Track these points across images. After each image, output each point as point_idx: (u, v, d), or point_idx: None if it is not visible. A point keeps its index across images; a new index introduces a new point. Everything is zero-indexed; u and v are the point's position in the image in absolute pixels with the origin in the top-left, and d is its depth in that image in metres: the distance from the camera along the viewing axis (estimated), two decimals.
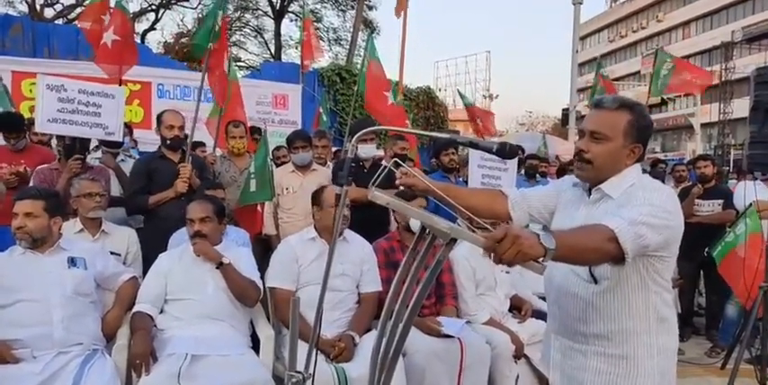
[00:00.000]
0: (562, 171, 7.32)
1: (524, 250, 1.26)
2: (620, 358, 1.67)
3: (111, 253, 3.28)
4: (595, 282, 1.65)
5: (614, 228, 1.44)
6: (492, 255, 1.30)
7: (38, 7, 19.32)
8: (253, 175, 3.96)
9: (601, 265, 1.60)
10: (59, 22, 18.39)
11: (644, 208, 1.53)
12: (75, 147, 3.70)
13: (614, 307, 1.65)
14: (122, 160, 4.37)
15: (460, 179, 5.06)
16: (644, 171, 1.81)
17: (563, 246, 1.32)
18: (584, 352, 1.72)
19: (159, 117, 3.82)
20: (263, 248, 4.06)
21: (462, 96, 9.31)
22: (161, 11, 22.77)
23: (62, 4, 20.13)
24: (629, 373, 1.66)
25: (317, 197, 3.23)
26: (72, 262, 2.74)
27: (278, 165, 4.78)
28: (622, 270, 1.58)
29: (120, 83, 4.71)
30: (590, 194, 1.76)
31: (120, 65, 4.60)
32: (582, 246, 1.42)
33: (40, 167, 3.89)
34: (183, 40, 21.76)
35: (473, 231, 1.60)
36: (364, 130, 1.86)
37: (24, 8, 19.30)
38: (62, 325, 2.56)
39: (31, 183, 3.76)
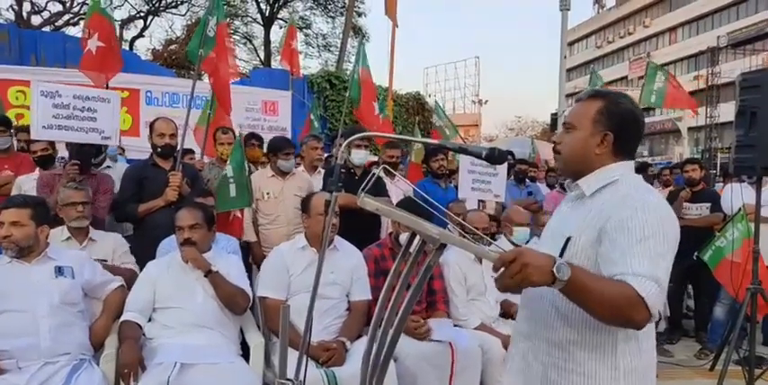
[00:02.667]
0: (552, 173, 7.39)
1: (530, 278, 1.25)
2: (580, 375, 1.53)
3: (99, 260, 3.26)
4: None
5: (644, 294, 1.33)
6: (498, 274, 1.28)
7: (25, 15, 19.22)
8: (231, 180, 3.88)
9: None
10: (47, 29, 18.29)
11: (650, 243, 1.41)
12: (80, 152, 3.66)
13: (578, 315, 1.51)
14: (108, 167, 4.33)
15: (451, 185, 5.08)
16: None
17: (576, 282, 1.27)
18: (545, 363, 1.61)
19: (151, 125, 3.79)
20: (245, 255, 4.02)
21: (436, 109, 8.73)
22: (149, 18, 22.74)
23: (49, 11, 20.10)
24: None
25: (305, 204, 3.22)
26: (59, 271, 2.69)
27: None
28: None
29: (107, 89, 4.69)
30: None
31: (104, 72, 4.57)
32: (597, 291, 1.33)
33: (44, 171, 3.88)
34: (172, 46, 21.72)
35: (463, 237, 1.60)
36: (355, 136, 1.86)
37: (11, 15, 19.20)
38: (49, 335, 2.52)
39: (35, 188, 3.74)
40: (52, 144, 4.11)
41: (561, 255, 1.55)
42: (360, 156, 4.12)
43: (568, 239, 1.55)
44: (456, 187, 5.02)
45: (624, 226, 1.44)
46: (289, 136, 8.85)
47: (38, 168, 4.02)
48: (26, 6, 19.36)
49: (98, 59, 4.45)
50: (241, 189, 3.85)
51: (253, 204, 4.01)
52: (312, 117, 9.35)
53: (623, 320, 1.37)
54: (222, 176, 3.93)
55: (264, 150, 4.82)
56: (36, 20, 19.64)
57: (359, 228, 3.61)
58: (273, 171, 4.22)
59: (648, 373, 1.58)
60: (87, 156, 3.73)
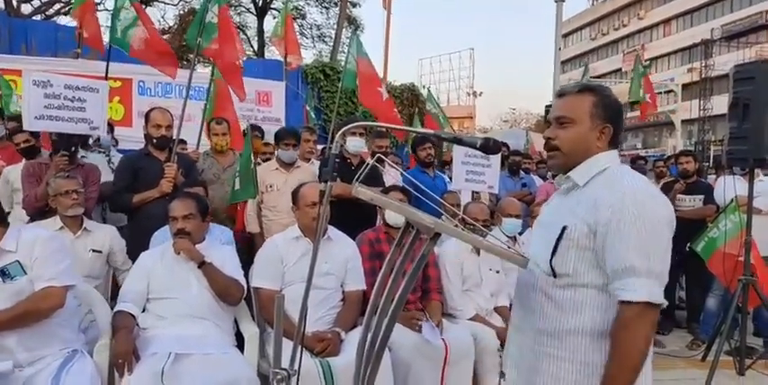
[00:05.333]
0: (542, 164, 7.41)
1: None
2: (572, 363, 1.55)
3: (94, 250, 3.25)
4: (554, 275, 1.58)
5: (645, 299, 1.44)
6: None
7: (14, 3, 18.97)
8: (237, 173, 3.95)
9: (564, 259, 1.56)
10: (37, 18, 18.09)
11: (643, 234, 1.45)
12: (62, 143, 3.63)
13: (572, 303, 1.56)
14: (107, 155, 4.32)
15: (445, 176, 5.08)
16: None
17: None
18: (537, 353, 1.62)
19: (147, 115, 3.77)
20: (248, 246, 4.04)
21: (429, 97, 8.73)
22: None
23: (40, 0, 19.82)
24: (586, 381, 1.54)
25: (294, 196, 3.22)
26: (4, 273, 2.32)
27: (264, 161, 4.75)
28: (587, 268, 1.54)
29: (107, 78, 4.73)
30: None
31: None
32: (636, 369, 1.46)
33: (29, 161, 3.85)
34: (165, 36, 21.51)
35: (456, 226, 1.60)
36: (350, 125, 1.86)
37: (0, 4, 18.94)
38: (21, 347, 2.35)
39: (19, 178, 3.71)
40: (35, 134, 4.08)
41: (557, 244, 1.57)
42: (355, 144, 4.11)
43: (564, 228, 1.56)
44: (444, 175, 5.05)
45: (615, 219, 1.48)
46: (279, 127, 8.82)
47: (23, 158, 4.00)
48: None
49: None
50: (246, 181, 3.88)
51: (258, 196, 4.02)
52: (308, 108, 9.31)
53: (650, 335, 1.48)
54: (234, 170, 4.00)
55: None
56: (26, 9, 19.41)
57: (355, 218, 3.61)
58: (278, 163, 4.24)
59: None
60: (74, 146, 3.70)
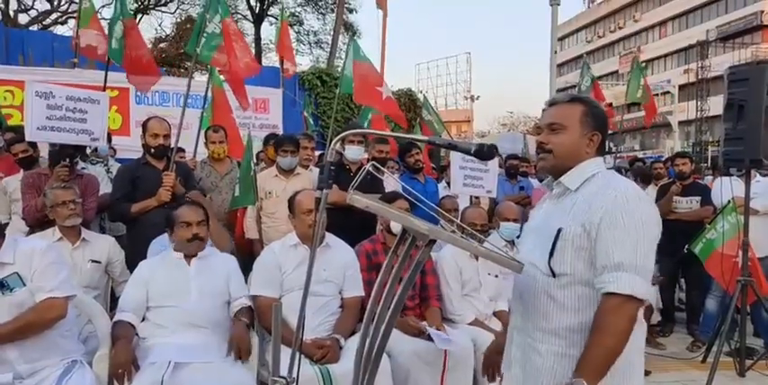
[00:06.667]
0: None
1: None
2: (575, 359, 1.58)
3: (93, 261, 3.25)
4: (554, 275, 1.64)
5: (628, 292, 1.50)
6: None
7: (11, 13, 19.02)
8: (237, 180, 3.99)
9: (562, 259, 1.62)
10: (34, 28, 18.13)
11: (631, 233, 1.53)
12: (61, 153, 3.64)
13: (574, 301, 1.62)
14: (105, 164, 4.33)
15: (443, 181, 5.09)
16: (622, 169, 1.83)
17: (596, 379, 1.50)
18: (542, 352, 1.67)
19: (144, 124, 3.77)
20: (248, 252, 4.05)
21: (425, 104, 8.77)
22: (139, 16, 22.56)
23: (36, 10, 19.90)
24: None
25: (290, 204, 3.22)
26: (3, 286, 2.29)
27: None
28: (585, 267, 1.60)
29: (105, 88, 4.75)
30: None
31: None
32: (610, 356, 1.51)
33: (28, 172, 3.86)
34: (162, 45, 21.60)
35: (453, 232, 1.61)
36: (345, 133, 1.86)
37: None
38: (22, 360, 2.34)
39: (17, 188, 3.72)
40: (33, 145, 4.09)
41: (553, 246, 1.63)
42: (353, 152, 4.12)
43: (560, 230, 1.63)
44: (448, 183, 5.04)
45: (606, 219, 1.56)
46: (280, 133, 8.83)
47: (21, 169, 4.01)
48: (13, 5, 19.19)
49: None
50: (245, 188, 3.91)
51: (257, 203, 4.04)
52: (306, 114, 9.33)
53: (629, 327, 1.53)
54: (232, 177, 4.03)
55: None
56: (23, 18, 19.47)
57: (354, 225, 3.61)
58: (278, 170, 4.25)
59: (638, 351, 1.68)
60: (69, 157, 3.71)
